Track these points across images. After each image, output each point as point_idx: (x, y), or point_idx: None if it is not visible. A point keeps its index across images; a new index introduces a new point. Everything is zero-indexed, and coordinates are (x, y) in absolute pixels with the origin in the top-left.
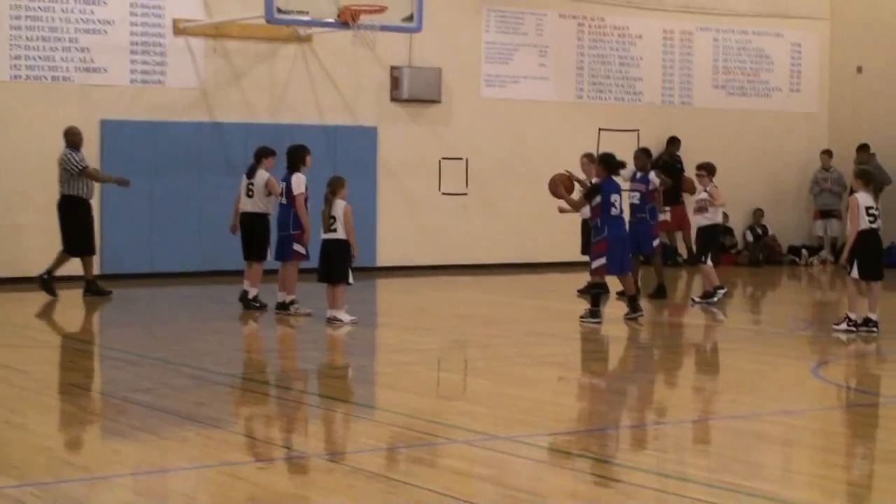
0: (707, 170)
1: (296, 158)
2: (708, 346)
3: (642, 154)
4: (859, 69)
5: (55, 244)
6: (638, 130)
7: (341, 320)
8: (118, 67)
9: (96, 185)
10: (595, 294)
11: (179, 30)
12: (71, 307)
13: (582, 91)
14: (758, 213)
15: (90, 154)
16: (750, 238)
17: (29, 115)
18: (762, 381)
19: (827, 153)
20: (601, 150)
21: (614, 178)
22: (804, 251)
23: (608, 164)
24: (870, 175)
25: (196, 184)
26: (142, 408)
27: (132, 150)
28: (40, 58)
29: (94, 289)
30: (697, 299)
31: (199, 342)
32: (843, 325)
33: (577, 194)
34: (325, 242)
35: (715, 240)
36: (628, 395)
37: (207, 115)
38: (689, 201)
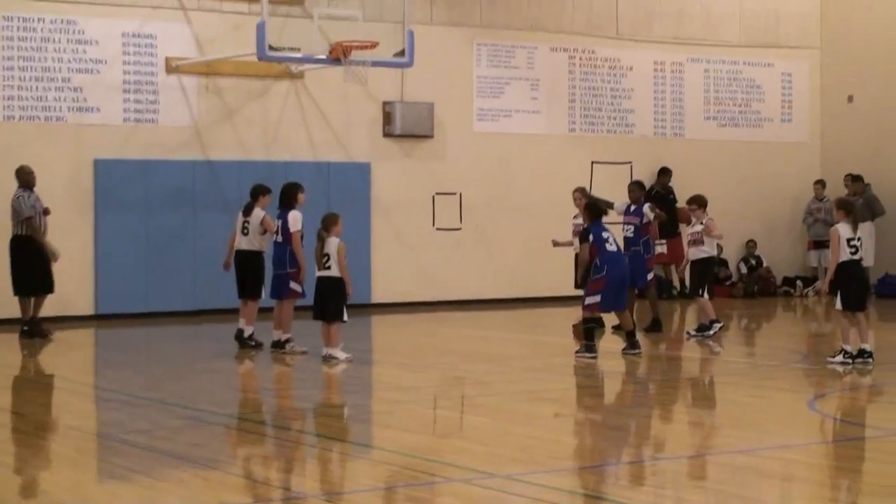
0: (698, 203)
1: (289, 196)
2: (704, 380)
3: (636, 187)
4: (850, 98)
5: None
6: (631, 163)
7: (337, 358)
8: (111, 106)
9: (89, 221)
10: (589, 328)
11: (172, 68)
12: (67, 348)
13: (574, 124)
14: (751, 244)
15: (84, 194)
16: (744, 270)
17: (23, 156)
18: (759, 415)
19: (820, 183)
20: (593, 183)
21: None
22: (799, 282)
23: (593, 211)
24: (850, 206)
25: (190, 222)
26: (138, 449)
27: (126, 189)
28: (33, 98)
29: (36, 330)
30: (693, 332)
31: (195, 382)
32: (839, 358)
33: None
34: (320, 280)
35: (710, 272)
36: (626, 430)
37: (201, 153)
38: (685, 233)
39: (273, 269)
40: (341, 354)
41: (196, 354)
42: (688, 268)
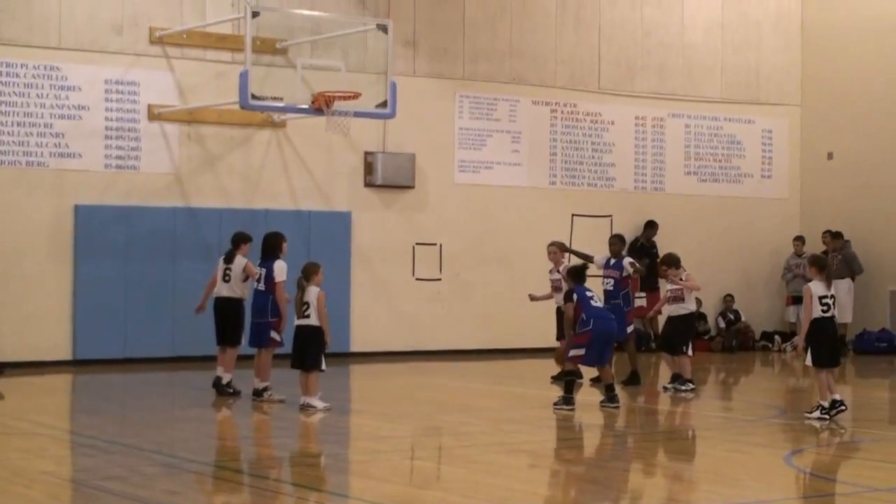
0: (668, 264)
1: (274, 246)
2: (682, 434)
3: (617, 240)
4: (830, 155)
5: (29, 328)
6: (611, 216)
7: (315, 407)
8: (92, 152)
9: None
10: (569, 381)
11: (154, 115)
12: (43, 393)
13: (555, 177)
14: (728, 298)
15: (65, 239)
16: (722, 324)
17: (4, 201)
18: (736, 469)
19: (799, 239)
20: (574, 236)
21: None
22: (777, 337)
23: (574, 275)
24: (823, 263)
25: (170, 269)
26: (113, 496)
27: (106, 234)
28: (14, 143)
29: None
30: (668, 385)
31: (172, 429)
32: (816, 413)
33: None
34: (299, 328)
35: (693, 329)
36: (603, 483)
37: (182, 200)
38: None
39: (252, 318)
40: (319, 403)
41: (174, 401)
42: (662, 323)
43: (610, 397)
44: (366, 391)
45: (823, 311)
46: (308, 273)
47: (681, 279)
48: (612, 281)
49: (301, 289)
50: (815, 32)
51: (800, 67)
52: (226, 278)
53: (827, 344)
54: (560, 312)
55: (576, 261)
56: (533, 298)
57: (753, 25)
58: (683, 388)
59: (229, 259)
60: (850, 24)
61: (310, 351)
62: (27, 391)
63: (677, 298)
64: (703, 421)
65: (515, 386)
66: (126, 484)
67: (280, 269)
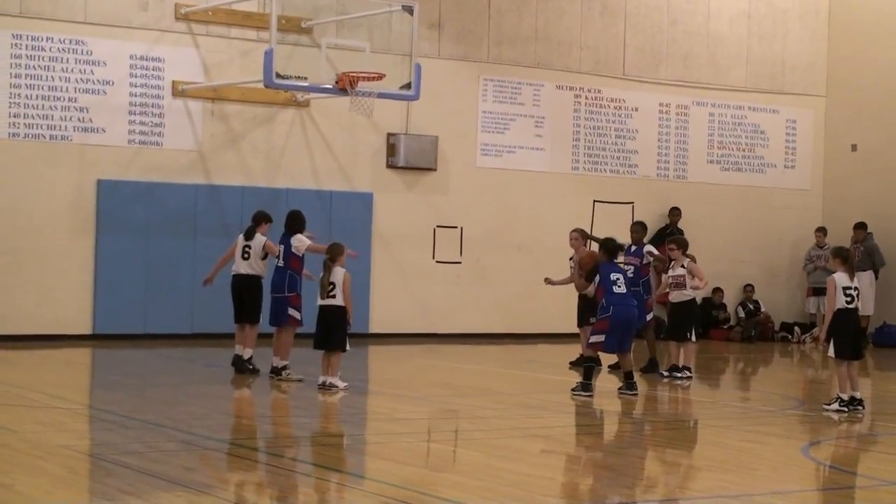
0: (678, 244)
1: (296, 222)
2: (699, 423)
3: (639, 227)
4: (854, 147)
5: (49, 301)
6: (633, 203)
7: (336, 386)
8: (116, 128)
9: (89, 241)
10: (587, 367)
11: (178, 92)
12: (63, 367)
13: (577, 162)
14: (749, 288)
15: (87, 214)
16: (742, 314)
17: (26, 174)
18: (752, 459)
19: (821, 230)
20: (595, 222)
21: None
22: (797, 328)
23: (607, 249)
24: (847, 255)
25: (190, 245)
26: (131, 471)
27: (128, 210)
28: (39, 116)
29: None
30: (666, 372)
31: (191, 406)
32: (835, 406)
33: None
34: (323, 308)
35: (695, 315)
36: (618, 470)
37: (204, 178)
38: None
39: (271, 293)
40: (340, 383)
41: (192, 378)
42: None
43: (628, 384)
44: (383, 372)
45: (847, 303)
46: (334, 253)
47: (683, 266)
48: (632, 268)
49: (327, 269)
50: (842, 24)
51: (825, 58)
52: (245, 255)
53: (850, 336)
54: (582, 299)
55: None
56: (549, 282)
57: (780, 15)
58: (680, 375)
59: (249, 236)
60: (877, 16)
61: (335, 331)
62: (47, 364)
63: (679, 285)
64: (720, 410)
65: (532, 371)
66: (143, 459)
67: (299, 240)
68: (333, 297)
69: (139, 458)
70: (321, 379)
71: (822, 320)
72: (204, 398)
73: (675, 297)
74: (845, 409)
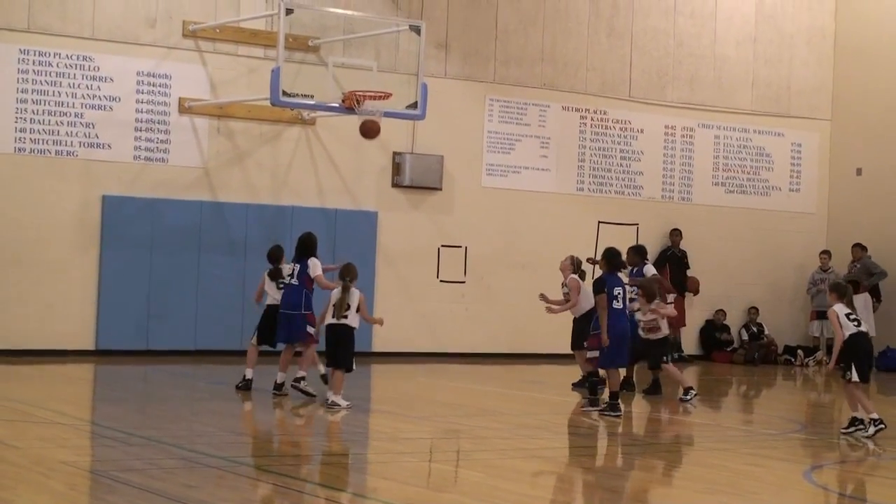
0: (644, 291)
1: (308, 245)
2: (701, 446)
3: (634, 252)
4: (859, 171)
5: (52, 316)
6: (637, 224)
7: (339, 405)
8: (122, 144)
9: (94, 257)
10: (592, 383)
11: (185, 108)
12: (66, 382)
13: (583, 183)
14: (753, 311)
15: (91, 229)
16: (745, 336)
17: (32, 189)
18: (754, 483)
19: (826, 253)
20: (600, 244)
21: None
22: (800, 351)
23: (610, 260)
24: (843, 289)
25: (195, 262)
26: (132, 488)
27: (133, 226)
28: (45, 131)
29: None
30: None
31: (193, 423)
32: (852, 429)
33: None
34: (335, 328)
35: (668, 346)
36: (619, 492)
37: (209, 195)
38: (691, 299)
39: (284, 310)
40: (342, 402)
41: (194, 395)
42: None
43: (611, 406)
44: (386, 391)
45: (856, 326)
46: (353, 274)
47: (650, 309)
48: (634, 289)
49: (345, 290)
50: (848, 48)
51: (831, 82)
52: (280, 286)
53: (865, 359)
54: (577, 323)
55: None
56: (544, 298)
57: (786, 39)
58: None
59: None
60: (883, 42)
61: (344, 350)
62: (49, 380)
63: (654, 329)
64: (722, 433)
65: (535, 391)
66: (145, 476)
67: (315, 264)
68: (346, 317)
69: (140, 475)
70: (328, 396)
71: (825, 343)
72: (206, 415)
73: (654, 335)
74: (872, 429)
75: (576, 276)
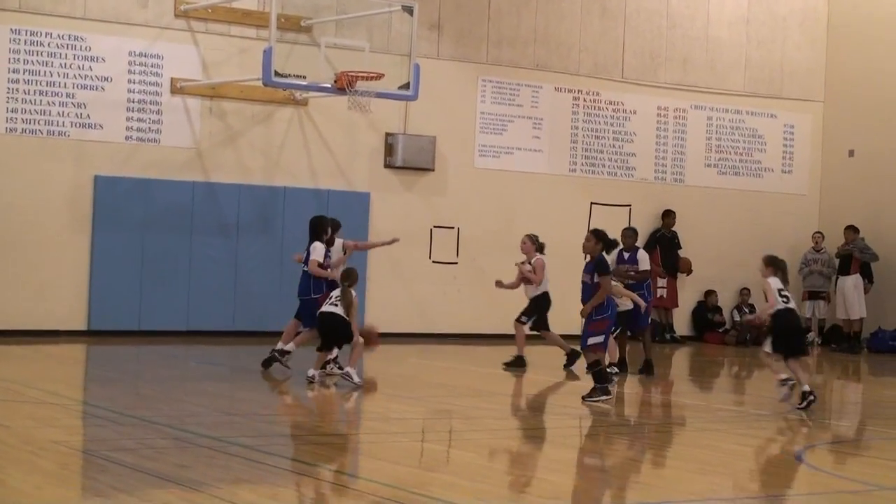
0: (533, 241)
1: (315, 231)
2: (691, 426)
3: (631, 233)
4: (851, 153)
5: (44, 297)
6: (630, 205)
7: (352, 379)
8: (114, 124)
9: (86, 237)
10: (599, 371)
11: (177, 89)
12: (57, 362)
13: (575, 164)
14: (745, 292)
15: (83, 209)
16: (737, 317)
17: (23, 169)
18: (745, 463)
19: (819, 234)
20: (592, 225)
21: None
22: None
23: (605, 241)
24: (779, 263)
25: (187, 243)
26: (124, 467)
27: (125, 206)
28: (36, 112)
29: None
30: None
31: (185, 403)
32: (804, 403)
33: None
34: (327, 315)
35: (547, 306)
36: (610, 472)
37: (201, 175)
38: (683, 280)
39: (299, 296)
40: (357, 378)
41: (186, 375)
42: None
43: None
44: (378, 372)
45: (784, 303)
46: (353, 279)
47: (530, 262)
48: (631, 274)
49: (346, 292)
50: (841, 30)
51: (824, 64)
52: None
53: (790, 333)
54: (533, 300)
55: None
56: (499, 285)
57: (779, 21)
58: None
59: (330, 243)
60: (876, 23)
61: (340, 330)
62: (40, 360)
63: (528, 280)
64: (713, 414)
65: (529, 372)
66: (136, 456)
67: (314, 249)
68: (336, 305)
69: (132, 455)
70: (345, 369)
71: (816, 324)
72: (198, 395)
73: (531, 291)
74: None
75: (541, 256)
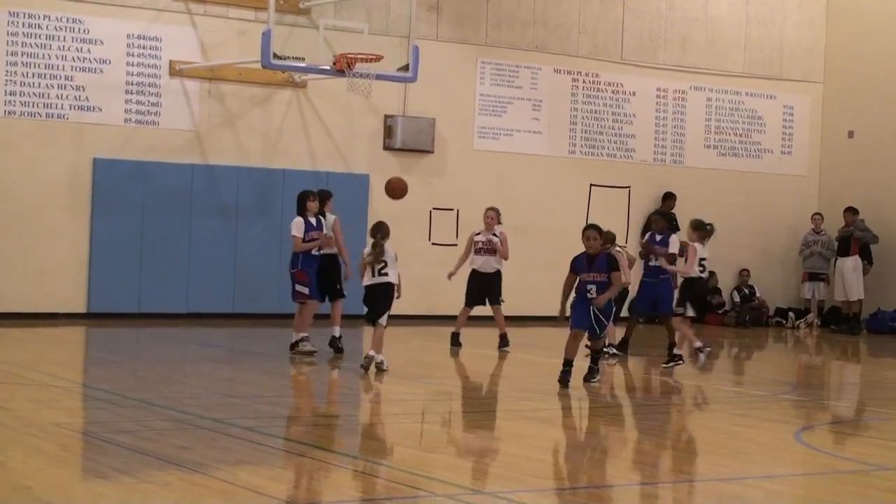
0: (497, 213)
1: (297, 204)
2: (692, 407)
3: (659, 217)
4: (851, 134)
5: (44, 279)
6: (629, 187)
7: (381, 363)
8: (113, 107)
9: (85, 220)
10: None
11: (175, 71)
12: (57, 345)
13: (574, 146)
14: (744, 273)
15: (82, 192)
16: (737, 298)
17: (22, 152)
18: (744, 444)
19: (819, 215)
20: (591, 206)
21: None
22: (791, 314)
23: (606, 235)
24: (704, 227)
25: (186, 225)
26: (124, 449)
27: (124, 189)
28: (35, 94)
29: None
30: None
31: (184, 385)
32: (672, 364)
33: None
34: (374, 287)
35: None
36: (610, 453)
37: (200, 158)
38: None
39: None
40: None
41: (186, 357)
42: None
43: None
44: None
45: (700, 272)
46: (384, 232)
47: (496, 234)
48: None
49: (377, 246)
50: (840, 11)
51: (823, 45)
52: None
53: (697, 299)
54: (484, 276)
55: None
56: (452, 275)
57: (778, 2)
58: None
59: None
60: (876, 4)
61: (381, 306)
62: (40, 342)
63: (490, 251)
64: (713, 395)
65: (527, 353)
66: (136, 438)
67: (294, 224)
68: (385, 274)
69: (132, 437)
70: (374, 354)
71: (816, 305)
72: (198, 377)
73: (492, 265)
74: (681, 362)
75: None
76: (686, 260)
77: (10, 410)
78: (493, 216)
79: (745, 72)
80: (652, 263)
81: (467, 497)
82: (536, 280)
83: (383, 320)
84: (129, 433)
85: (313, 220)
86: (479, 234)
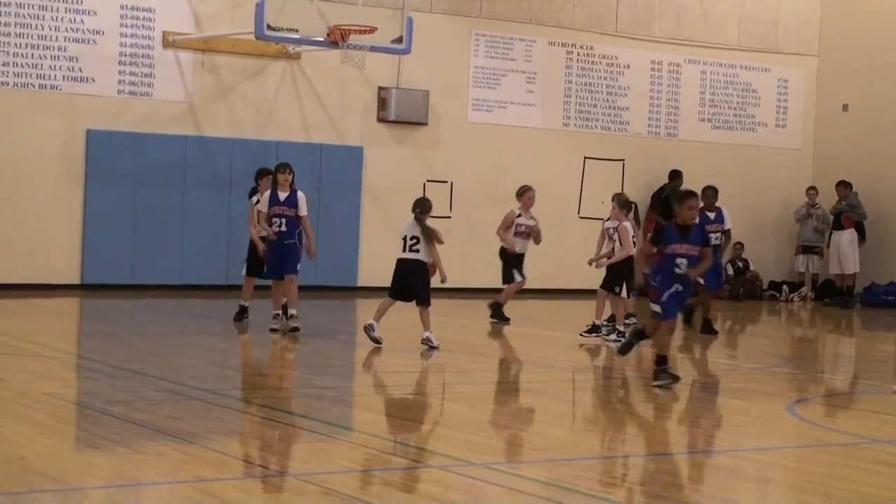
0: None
1: (268, 176)
2: (685, 380)
3: (711, 192)
4: (845, 107)
5: (38, 251)
6: (623, 160)
7: (431, 342)
8: (106, 78)
9: (78, 191)
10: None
11: (169, 42)
12: (51, 316)
13: (568, 119)
14: (738, 247)
15: (76, 164)
16: (730, 272)
17: (15, 123)
18: (738, 416)
19: (813, 189)
20: (585, 179)
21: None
22: (785, 287)
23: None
24: (631, 205)
25: (180, 197)
26: (117, 420)
27: (117, 160)
28: (28, 65)
29: None
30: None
31: (178, 356)
32: (614, 336)
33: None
34: (405, 262)
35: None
36: (605, 426)
37: (194, 129)
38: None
39: None
40: (434, 340)
41: (180, 328)
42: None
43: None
44: None
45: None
46: (424, 207)
47: (533, 218)
48: (718, 235)
49: (417, 221)
50: None
51: (818, 18)
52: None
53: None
54: (505, 253)
55: None
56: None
57: None
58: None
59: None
60: None
61: (419, 286)
62: (34, 313)
63: (526, 234)
64: (707, 368)
65: (521, 326)
66: (130, 408)
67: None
68: (417, 251)
69: (126, 408)
70: (424, 335)
71: (810, 279)
72: (191, 349)
73: (523, 245)
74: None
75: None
76: (621, 242)
77: (3, 381)
78: (533, 197)
79: (740, 45)
80: (716, 243)
81: (460, 468)
82: (531, 252)
83: (428, 299)
84: (122, 404)
85: (281, 195)
86: (519, 215)
